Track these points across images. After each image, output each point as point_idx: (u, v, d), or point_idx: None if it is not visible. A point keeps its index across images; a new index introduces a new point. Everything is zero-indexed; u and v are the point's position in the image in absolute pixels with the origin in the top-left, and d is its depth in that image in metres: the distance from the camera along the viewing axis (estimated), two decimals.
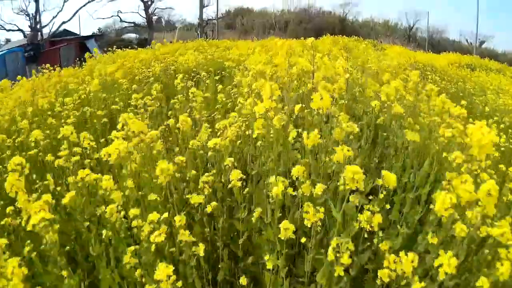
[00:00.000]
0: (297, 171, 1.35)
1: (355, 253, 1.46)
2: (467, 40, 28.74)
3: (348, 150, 1.30)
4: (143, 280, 1.36)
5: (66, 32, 22.47)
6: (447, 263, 1.13)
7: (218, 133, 1.95)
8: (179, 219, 1.32)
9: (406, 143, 1.79)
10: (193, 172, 1.77)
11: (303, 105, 1.80)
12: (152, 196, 1.46)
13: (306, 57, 3.52)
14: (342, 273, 1.15)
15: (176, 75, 4.47)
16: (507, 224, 1.23)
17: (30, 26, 20.46)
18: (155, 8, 26.88)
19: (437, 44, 27.75)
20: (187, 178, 1.75)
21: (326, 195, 1.43)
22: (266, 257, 1.41)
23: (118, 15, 26.00)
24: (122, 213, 1.43)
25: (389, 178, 1.31)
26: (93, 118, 3.27)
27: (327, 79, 2.27)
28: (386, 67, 2.67)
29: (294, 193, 1.39)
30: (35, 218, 1.24)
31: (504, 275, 1.16)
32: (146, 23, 26.49)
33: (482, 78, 11.86)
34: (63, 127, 2.10)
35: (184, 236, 1.34)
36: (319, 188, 1.29)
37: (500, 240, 1.20)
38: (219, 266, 1.69)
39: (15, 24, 20.94)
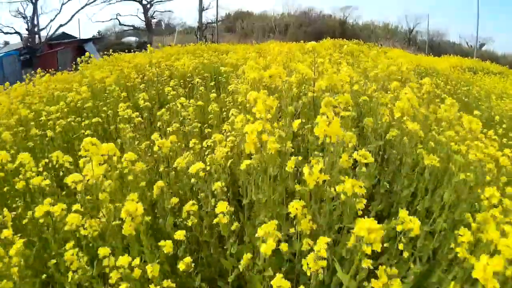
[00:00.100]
0: (294, 208, 1.10)
1: None
2: (467, 43, 28.66)
3: (360, 187, 1.06)
4: None
5: (65, 35, 22.29)
6: None
7: (207, 152, 1.72)
8: (151, 270, 1.08)
9: (421, 164, 1.55)
10: (174, 200, 1.52)
11: (303, 120, 1.57)
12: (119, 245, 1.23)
13: (307, 62, 3.30)
14: None
15: (172, 80, 4.25)
16: None
17: (27, 29, 20.26)
18: (154, 11, 26.77)
19: (437, 47, 27.61)
20: (167, 208, 1.52)
21: (331, 255, 1.19)
22: None
23: (117, 18, 25.89)
24: (85, 258, 1.20)
25: (412, 224, 1.05)
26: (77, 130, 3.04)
27: (330, 87, 2.05)
28: (395, 70, 2.43)
29: (289, 250, 1.13)
30: None
31: None
32: (145, 26, 26.34)
33: (486, 81, 11.66)
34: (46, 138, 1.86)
35: None
36: (323, 248, 1.01)
37: None
38: None
39: (12, 27, 20.74)
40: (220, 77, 5.13)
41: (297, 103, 2.08)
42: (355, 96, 2.45)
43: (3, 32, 20.86)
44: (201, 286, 1.40)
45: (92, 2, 22.81)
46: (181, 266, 1.19)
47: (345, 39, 15.80)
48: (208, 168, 1.48)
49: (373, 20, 30.65)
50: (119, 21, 26.22)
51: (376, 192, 1.79)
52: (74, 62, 7.19)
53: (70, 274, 1.24)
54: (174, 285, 1.15)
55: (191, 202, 1.38)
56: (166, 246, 1.20)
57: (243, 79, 3.34)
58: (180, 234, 1.31)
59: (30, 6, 20.52)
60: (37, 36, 20.57)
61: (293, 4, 34.32)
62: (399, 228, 1.09)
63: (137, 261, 1.11)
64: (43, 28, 21.04)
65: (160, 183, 1.46)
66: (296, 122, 1.56)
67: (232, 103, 2.98)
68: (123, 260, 1.11)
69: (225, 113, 2.85)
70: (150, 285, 1.07)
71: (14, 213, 1.84)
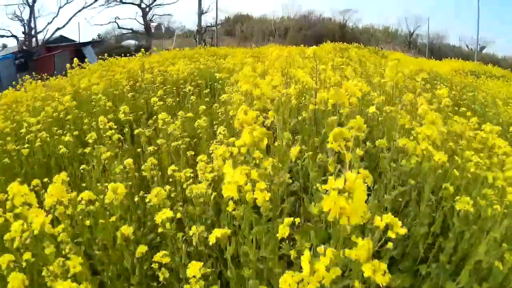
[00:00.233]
0: (287, 284, 0.78)
1: None
2: (467, 46, 28.52)
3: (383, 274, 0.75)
4: None
5: (63, 38, 22.06)
6: None
7: (188, 182, 1.45)
8: None
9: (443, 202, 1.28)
10: (143, 249, 1.25)
11: (303, 147, 1.29)
12: None
13: (307, 68, 3.04)
14: None
15: (162, 89, 3.99)
16: None
17: (23, 32, 20.03)
18: (153, 15, 26.62)
19: (437, 50, 27.43)
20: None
21: None
22: None
23: (115, 21, 25.71)
24: None
25: None
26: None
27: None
28: (406, 76, 2.18)
29: None
30: None
31: None
32: (144, 30, 26.17)
33: (490, 86, 11.41)
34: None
35: None
36: None
37: None
38: None
39: (9, 30, 20.49)
40: (216, 84, 4.86)
41: (297, 120, 1.81)
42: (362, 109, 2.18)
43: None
44: None
45: (89, 5, 22.65)
46: None
47: (345, 43, 15.59)
48: (179, 215, 1.20)
49: (373, 24, 30.59)
50: (117, 24, 26.08)
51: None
52: (70, 66, 6.93)
53: None
54: None
55: (160, 253, 1.11)
56: None
57: (238, 87, 3.08)
58: None
59: (27, 9, 20.31)
60: (34, 39, 20.35)
61: (293, 8, 34.21)
62: None
63: None
64: (40, 31, 20.83)
65: (125, 229, 1.19)
66: (294, 151, 1.28)
67: (224, 115, 2.72)
68: None
69: (216, 126, 2.59)
70: None
71: None
